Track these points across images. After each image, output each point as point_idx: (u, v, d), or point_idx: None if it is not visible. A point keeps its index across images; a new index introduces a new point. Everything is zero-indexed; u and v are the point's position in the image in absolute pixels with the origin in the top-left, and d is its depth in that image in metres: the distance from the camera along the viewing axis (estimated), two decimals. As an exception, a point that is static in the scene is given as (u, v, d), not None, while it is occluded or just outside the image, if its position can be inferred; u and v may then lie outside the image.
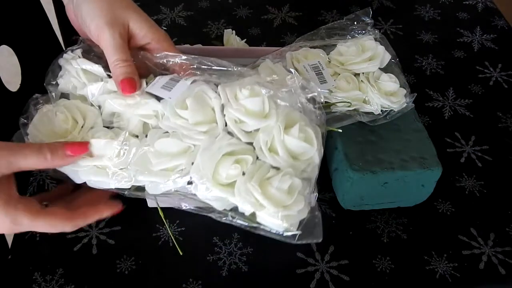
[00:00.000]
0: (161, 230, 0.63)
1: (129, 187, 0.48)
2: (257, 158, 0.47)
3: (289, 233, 0.45)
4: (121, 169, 0.47)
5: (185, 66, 0.53)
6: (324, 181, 0.67)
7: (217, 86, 0.51)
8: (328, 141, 0.65)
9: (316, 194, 0.50)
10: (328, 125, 0.59)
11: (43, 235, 0.62)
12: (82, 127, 0.49)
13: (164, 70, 0.54)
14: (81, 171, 0.48)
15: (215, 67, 0.52)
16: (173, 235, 0.62)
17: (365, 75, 0.64)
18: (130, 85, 0.50)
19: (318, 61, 0.64)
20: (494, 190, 0.69)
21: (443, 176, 0.62)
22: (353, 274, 0.61)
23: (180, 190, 0.47)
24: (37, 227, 0.46)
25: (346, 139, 0.63)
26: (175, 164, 0.47)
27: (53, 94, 0.53)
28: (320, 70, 0.63)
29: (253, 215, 0.46)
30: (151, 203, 0.62)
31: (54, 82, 0.54)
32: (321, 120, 0.51)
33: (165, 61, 0.53)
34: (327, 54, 0.66)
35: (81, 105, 0.52)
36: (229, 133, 0.48)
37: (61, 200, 0.50)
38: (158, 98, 0.51)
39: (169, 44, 0.54)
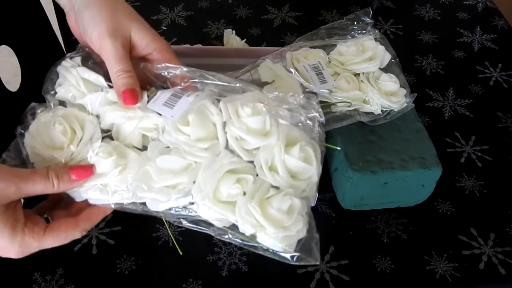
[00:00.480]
0: (161, 230, 0.63)
1: (130, 202, 0.48)
2: (257, 175, 0.47)
3: (288, 255, 0.45)
4: (121, 188, 0.47)
5: (186, 79, 0.52)
6: (324, 181, 0.67)
7: (218, 101, 0.50)
8: (328, 141, 0.65)
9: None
10: (328, 125, 0.59)
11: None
12: (80, 139, 0.49)
13: (164, 82, 0.53)
14: (82, 190, 0.48)
15: (216, 82, 0.51)
16: (173, 235, 0.62)
17: (365, 75, 0.64)
18: (132, 96, 0.49)
19: (318, 61, 0.63)
20: (494, 190, 0.69)
21: (443, 176, 0.62)
22: (353, 274, 0.61)
23: (180, 209, 0.47)
24: (46, 246, 0.46)
25: (346, 139, 0.63)
26: (176, 182, 0.47)
27: (51, 104, 0.52)
28: (320, 70, 0.63)
29: (253, 234, 0.46)
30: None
31: (52, 92, 0.53)
32: (321, 138, 0.51)
33: (166, 72, 0.53)
34: (327, 54, 0.66)
35: (79, 114, 0.51)
36: (230, 150, 0.48)
37: (60, 207, 0.50)
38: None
39: (171, 54, 0.53)
